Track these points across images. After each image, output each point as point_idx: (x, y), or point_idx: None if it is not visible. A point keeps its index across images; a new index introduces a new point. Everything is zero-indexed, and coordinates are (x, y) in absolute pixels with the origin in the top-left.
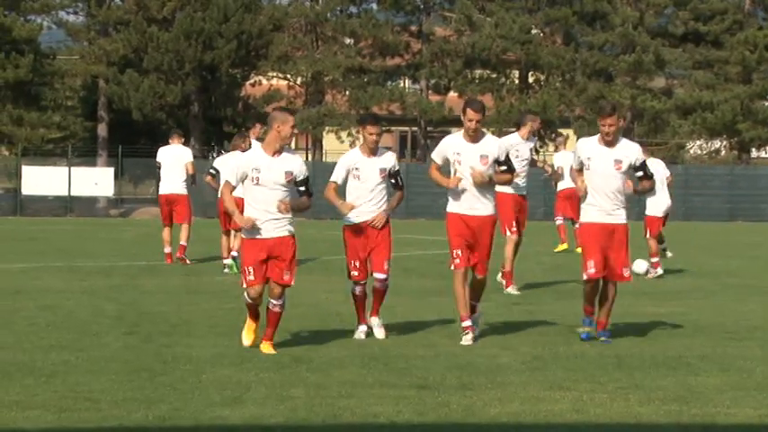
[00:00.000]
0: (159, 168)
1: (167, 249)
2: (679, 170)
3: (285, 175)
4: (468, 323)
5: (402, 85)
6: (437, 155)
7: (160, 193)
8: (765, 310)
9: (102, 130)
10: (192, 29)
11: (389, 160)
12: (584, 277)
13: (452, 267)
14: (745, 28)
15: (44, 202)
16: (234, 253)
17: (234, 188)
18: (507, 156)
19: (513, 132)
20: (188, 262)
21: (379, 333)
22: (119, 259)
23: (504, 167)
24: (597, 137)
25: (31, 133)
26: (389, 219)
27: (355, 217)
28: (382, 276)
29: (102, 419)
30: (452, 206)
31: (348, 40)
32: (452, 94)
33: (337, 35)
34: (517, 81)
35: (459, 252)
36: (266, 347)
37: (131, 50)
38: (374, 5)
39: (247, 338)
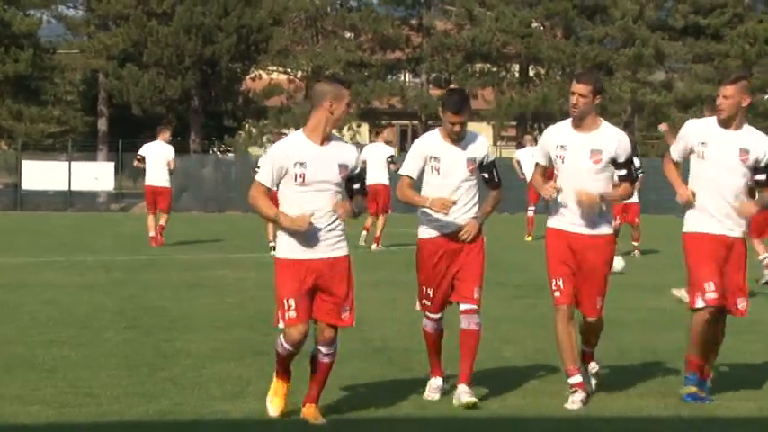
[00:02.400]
0: (141, 161)
1: (152, 233)
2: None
3: (339, 169)
4: (576, 379)
5: (402, 79)
6: (541, 155)
7: (146, 184)
8: (767, 303)
9: (102, 124)
10: (192, 23)
11: (480, 148)
12: (699, 304)
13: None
14: (745, 21)
15: (44, 196)
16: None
17: (269, 191)
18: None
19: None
20: (163, 240)
21: (466, 397)
22: (119, 254)
23: (623, 172)
24: (709, 119)
25: (30, 128)
26: (482, 229)
27: (434, 226)
28: (471, 307)
29: (102, 414)
30: (553, 219)
31: (348, 34)
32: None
33: (337, 29)
34: (518, 75)
35: (561, 283)
36: (312, 413)
37: (131, 45)
38: None
39: (276, 405)
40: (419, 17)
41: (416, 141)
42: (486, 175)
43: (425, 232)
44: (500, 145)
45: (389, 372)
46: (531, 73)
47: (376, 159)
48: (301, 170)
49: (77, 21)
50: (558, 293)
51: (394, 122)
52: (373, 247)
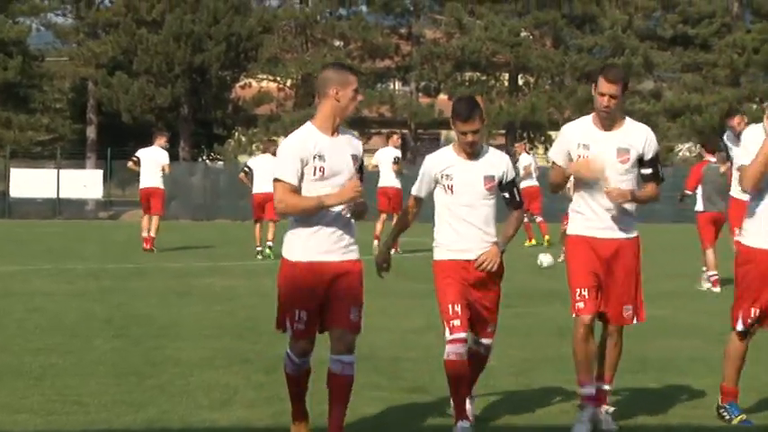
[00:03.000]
0: (136, 164)
1: (145, 234)
2: (668, 172)
3: (353, 160)
4: (587, 390)
5: (392, 87)
6: (559, 155)
7: (141, 186)
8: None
9: (90, 132)
10: (182, 31)
11: (500, 165)
12: (740, 327)
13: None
14: (733, 31)
15: (33, 204)
16: (269, 243)
17: (295, 189)
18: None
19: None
20: (154, 250)
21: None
22: (108, 262)
23: (649, 171)
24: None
25: (19, 135)
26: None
27: (450, 250)
28: (485, 342)
29: (90, 423)
30: (577, 224)
31: (338, 43)
32: (442, 97)
33: (327, 37)
34: (507, 83)
35: (586, 293)
36: None
37: (121, 52)
38: (364, 8)
39: None
40: (408, 26)
41: (427, 158)
42: (506, 195)
43: (441, 253)
44: None
45: (376, 380)
46: (521, 82)
47: (387, 162)
48: (320, 163)
49: (66, 28)
50: (581, 304)
51: (383, 131)
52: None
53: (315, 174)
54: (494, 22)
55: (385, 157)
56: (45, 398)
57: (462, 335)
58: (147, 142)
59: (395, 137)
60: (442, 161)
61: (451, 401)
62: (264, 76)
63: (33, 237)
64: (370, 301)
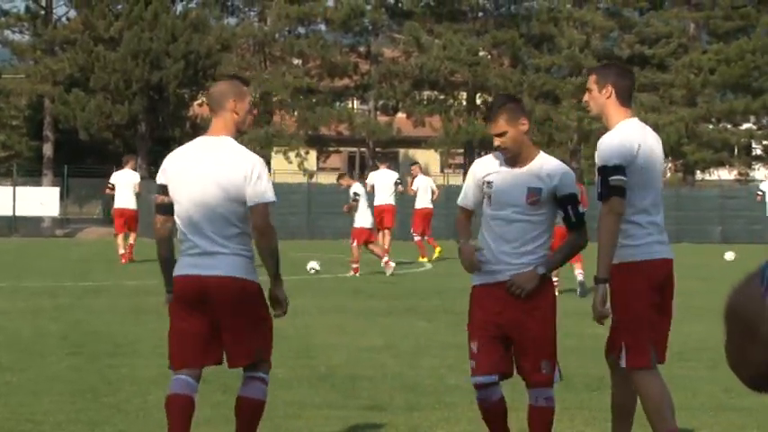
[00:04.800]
0: (112, 189)
1: (121, 251)
2: None
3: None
4: None
5: (350, 105)
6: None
7: (116, 207)
8: (711, 331)
9: (47, 149)
10: (140, 48)
11: (551, 176)
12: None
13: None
14: (689, 51)
15: None
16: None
17: None
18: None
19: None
20: (134, 258)
21: None
22: (65, 279)
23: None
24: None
25: None
26: (551, 283)
27: (484, 273)
28: (542, 393)
29: None
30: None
31: (296, 61)
32: (401, 115)
33: (285, 55)
34: (465, 102)
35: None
36: None
37: (78, 70)
38: (322, 26)
39: None
40: (367, 45)
41: (474, 162)
42: (561, 213)
43: (477, 278)
44: (447, 172)
45: (334, 399)
46: (479, 101)
47: (382, 183)
48: None
49: (23, 46)
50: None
51: (341, 149)
52: (388, 263)
53: None
54: (452, 41)
55: (380, 179)
56: None
57: (480, 379)
58: (105, 160)
59: (387, 162)
60: (487, 166)
61: None
62: None
63: None
64: (328, 320)
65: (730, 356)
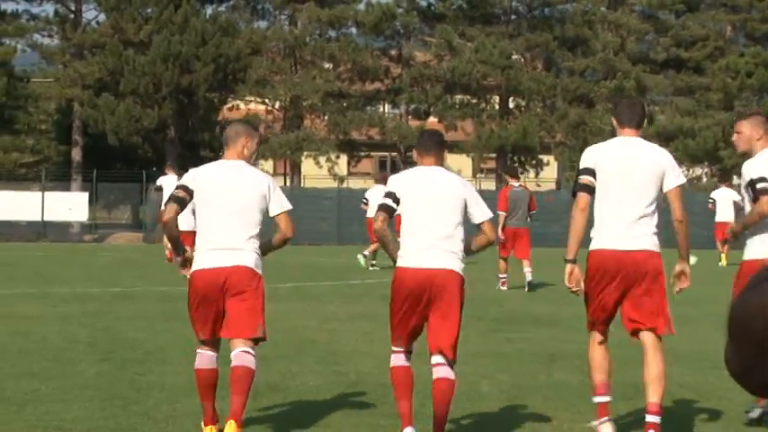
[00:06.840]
0: (159, 189)
1: (167, 250)
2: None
3: None
4: (601, 399)
5: (381, 109)
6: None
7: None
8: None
9: (76, 154)
10: (170, 52)
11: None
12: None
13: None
14: (726, 54)
15: (17, 227)
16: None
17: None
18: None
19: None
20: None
21: None
22: (93, 285)
23: None
24: None
25: (3, 157)
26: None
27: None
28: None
29: None
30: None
31: (327, 65)
32: (432, 119)
33: (316, 59)
34: (498, 106)
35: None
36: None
37: (107, 74)
38: (353, 30)
39: None
40: (398, 48)
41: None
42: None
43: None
44: (479, 177)
45: (365, 406)
46: (512, 105)
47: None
48: None
49: (52, 49)
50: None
51: (373, 154)
52: (366, 254)
53: None
54: (484, 45)
55: (378, 194)
56: (26, 424)
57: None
58: (134, 164)
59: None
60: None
61: None
62: (252, 98)
63: (18, 260)
64: (357, 326)
65: (736, 365)
